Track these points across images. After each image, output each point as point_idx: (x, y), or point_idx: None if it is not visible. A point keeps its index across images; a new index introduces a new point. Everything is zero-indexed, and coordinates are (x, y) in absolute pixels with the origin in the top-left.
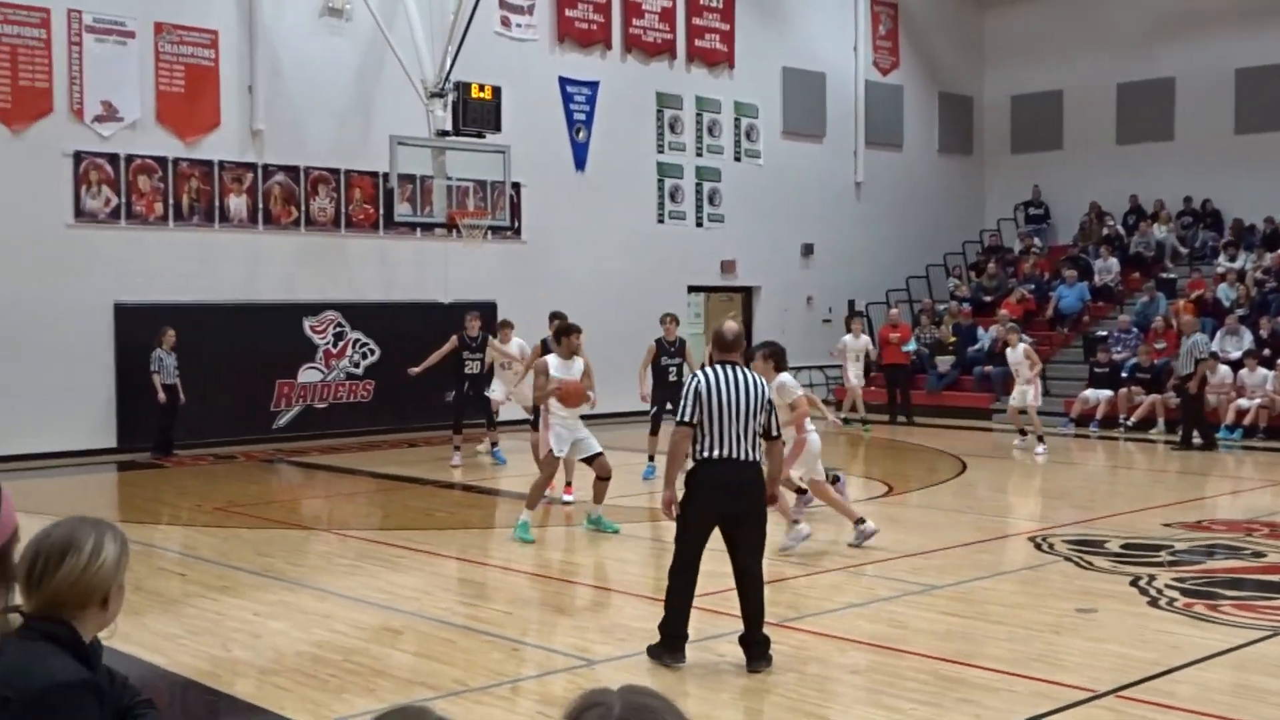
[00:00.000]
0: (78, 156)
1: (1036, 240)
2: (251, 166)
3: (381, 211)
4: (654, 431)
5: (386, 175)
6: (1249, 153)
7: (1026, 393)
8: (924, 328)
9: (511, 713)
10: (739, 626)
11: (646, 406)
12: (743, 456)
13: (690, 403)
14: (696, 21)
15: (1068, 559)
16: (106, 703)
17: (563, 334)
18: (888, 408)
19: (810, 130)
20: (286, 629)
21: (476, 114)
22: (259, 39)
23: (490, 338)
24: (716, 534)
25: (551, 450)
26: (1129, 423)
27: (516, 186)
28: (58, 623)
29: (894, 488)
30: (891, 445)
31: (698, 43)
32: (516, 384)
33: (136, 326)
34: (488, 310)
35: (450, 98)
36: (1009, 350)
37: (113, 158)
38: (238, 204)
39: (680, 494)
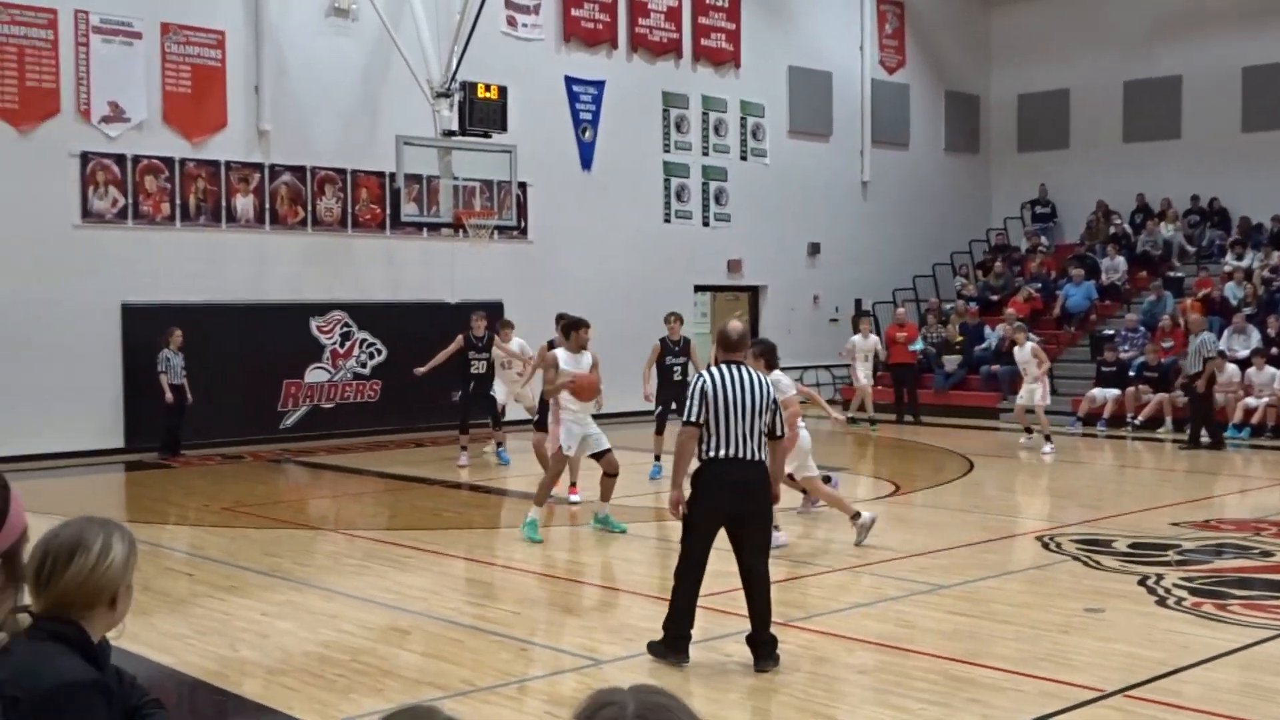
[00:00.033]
0: (84, 157)
1: (1043, 239)
2: (258, 167)
3: (388, 211)
4: (659, 431)
5: (393, 175)
6: (1256, 151)
7: (1034, 391)
8: (931, 327)
9: (519, 712)
10: (746, 626)
11: (651, 406)
12: (749, 456)
13: (696, 402)
14: (702, 21)
15: (1075, 558)
16: (115, 702)
17: (572, 328)
18: (894, 407)
19: (816, 129)
20: (294, 629)
21: (482, 114)
22: (265, 39)
23: (495, 337)
24: (722, 533)
25: (561, 447)
26: (1136, 422)
27: (523, 186)
28: (66, 623)
29: (901, 487)
30: (898, 444)
31: (704, 42)
32: (524, 384)
33: (144, 327)
34: (494, 310)
35: (456, 97)
36: (1017, 349)
37: (119, 158)
38: (244, 204)
39: (687, 494)
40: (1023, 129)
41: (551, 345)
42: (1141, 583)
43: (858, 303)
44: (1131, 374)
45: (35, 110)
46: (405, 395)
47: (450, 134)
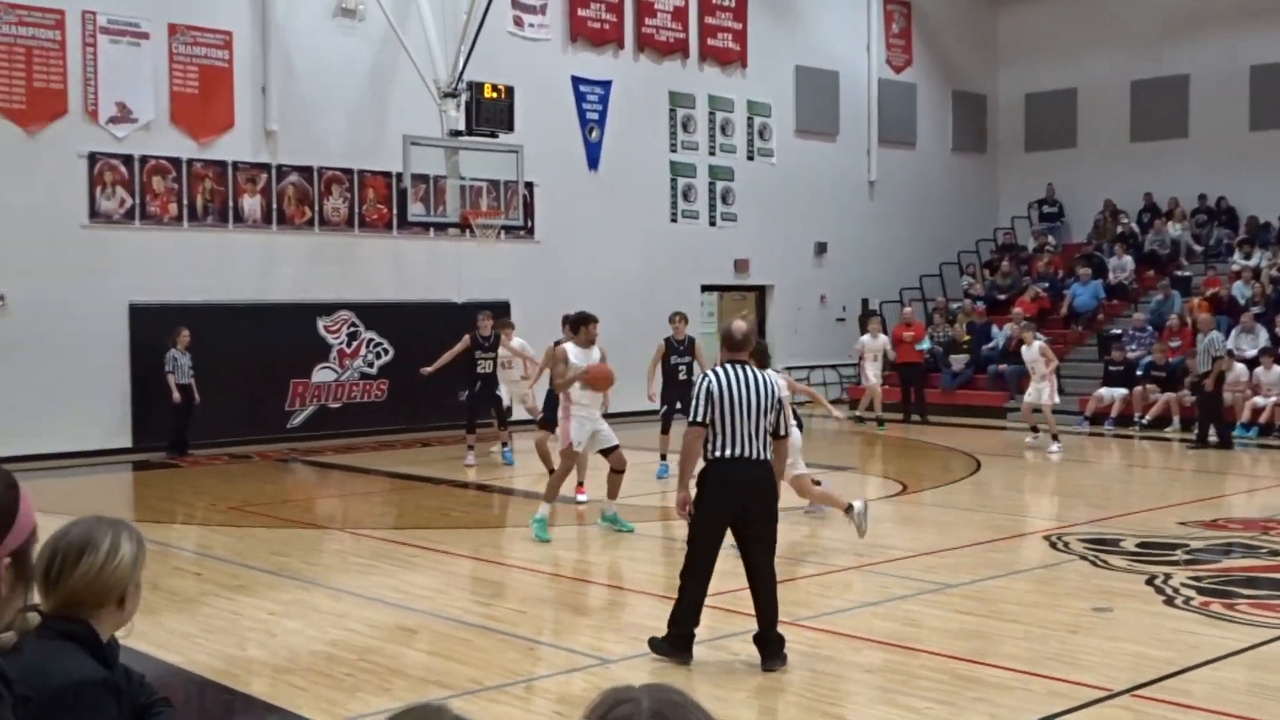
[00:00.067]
0: (92, 157)
1: (1050, 238)
2: (265, 167)
3: (395, 211)
4: (665, 430)
5: (400, 175)
6: (1264, 150)
7: (1042, 390)
8: (938, 326)
9: (527, 712)
10: (753, 625)
11: (655, 405)
12: (754, 455)
13: (702, 402)
14: (709, 20)
15: (1083, 558)
16: (124, 701)
17: (581, 323)
18: (902, 406)
19: (823, 129)
20: (302, 628)
21: (489, 114)
22: (272, 40)
23: (504, 337)
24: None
25: (572, 443)
26: (1144, 421)
27: (529, 186)
28: (75, 621)
29: (908, 486)
30: (905, 444)
31: (710, 42)
32: (532, 385)
33: (151, 327)
34: (501, 310)
35: (463, 97)
36: (1024, 348)
37: (127, 159)
38: (251, 204)
39: (693, 494)
40: (1030, 128)
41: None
42: (1149, 582)
43: (864, 302)
44: (1139, 373)
45: (43, 111)
46: (412, 395)
47: (457, 134)
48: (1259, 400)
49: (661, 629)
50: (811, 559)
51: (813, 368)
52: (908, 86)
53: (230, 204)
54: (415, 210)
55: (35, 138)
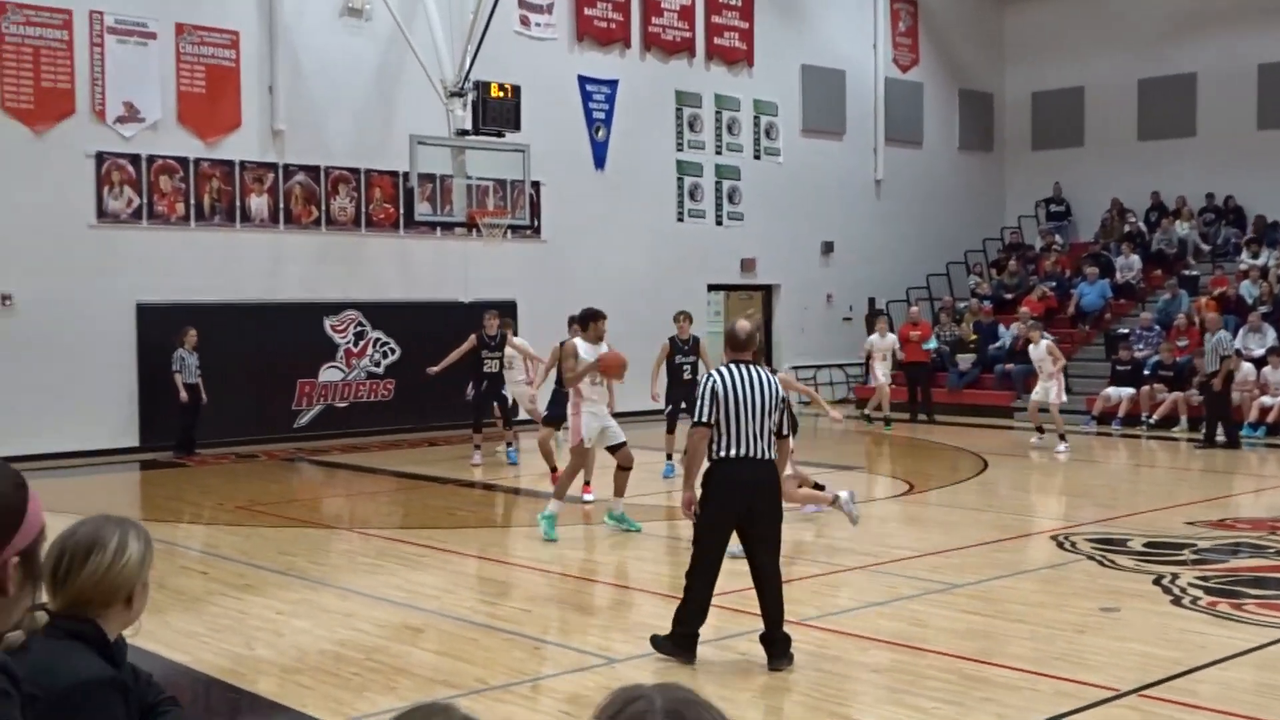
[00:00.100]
0: (100, 157)
1: (1057, 237)
2: (272, 166)
3: (402, 211)
4: (670, 430)
5: (406, 175)
6: (1271, 149)
7: (1049, 389)
8: (944, 325)
9: (533, 711)
10: (759, 624)
11: (658, 405)
12: (759, 455)
13: (707, 403)
14: (715, 20)
15: (1090, 557)
16: (131, 700)
17: (590, 319)
18: (908, 406)
19: (830, 128)
20: (309, 627)
21: (496, 113)
22: (279, 39)
23: (509, 335)
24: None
25: (583, 439)
26: (1151, 420)
27: (536, 185)
28: (83, 621)
29: (915, 486)
30: (912, 443)
31: (717, 41)
32: (539, 385)
33: (158, 326)
34: (508, 309)
35: (470, 97)
36: (1031, 347)
37: (134, 158)
38: (259, 204)
39: (699, 494)
40: (1037, 127)
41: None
42: (1157, 582)
43: (871, 302)
44: (1146, 373)
45: (51, 110)
46: (419, 394)
47: (464, 133)
48: (1266, 399)
49: (667, 628)
50: (817, 559)
51: (819, 367)
52: (914, 85)
53: (237, 203)
54: (422, 210)
55: (43, 137)
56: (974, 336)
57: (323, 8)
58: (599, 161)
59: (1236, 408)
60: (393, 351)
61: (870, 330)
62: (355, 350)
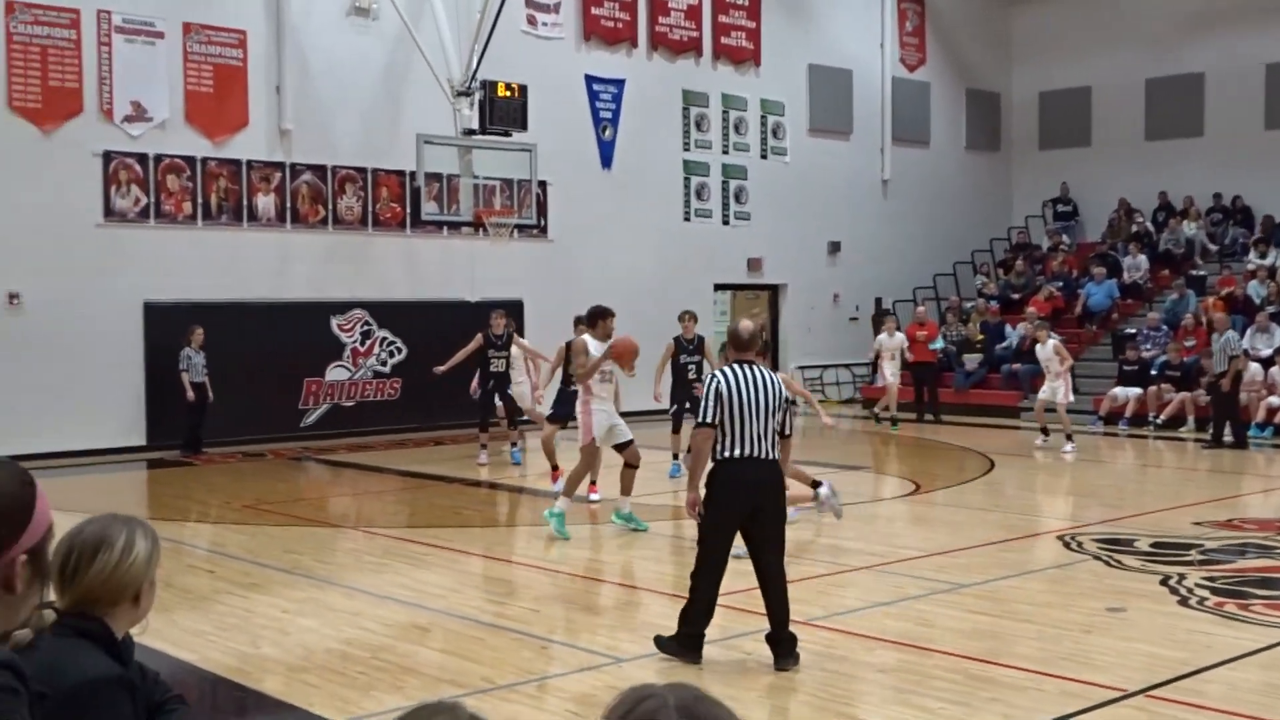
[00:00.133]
0: (107, 156)
1: (1065, 237)
2: (279, 166)
3: (408, 210)
4: (676, 430)
5: (413, 174)
6: (1279, 148)
7: (1057, 389)
8: (951, 325)
9: (539, 710)
10: (765, 624)
11: (663, 405)
12: (763, 455)
13: (712, 403)
14: (723, 19)
15: (1097, 558)
16: (138, 698)
17: (599, 316)
18: (915, 406)
19: (837, 127)
20: (315, 626)
21: (503, 112)
22: (286, 39)
23: (514, 335)
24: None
25: (593, 437)
26: (1158, 421)
27: (543, 185)
28: (90, 619)
29: (921, 486)
30: (919, 443)
31: (724, 40)
32: (546, 384)
33: (165, 325)
34: (514, 309)
35: (477, 96)
36: (1038, 347)
37: (142, 157)
38: (266, 203)
39: (703, 494)
40: (1044, 127)
41: (569, 346)
42: (1163, 582)
43: (878, 301)
44: (1153, 373)
45: (58, 110)
46: (425, 393)
47: (470, 133)
48: (1274, 400)
49: (674, 628)
50: (823, 559)
51: (826, 367)
52: (921, 85)
53: (244, 203)
54: (429, 209)
55: (50, 137)
56: (981, 336)
57: (330, 7)
58: (606, 161)
59: (1244, 408)
60: (399, 351)
61: (877, 330)
62: (362, 349)
